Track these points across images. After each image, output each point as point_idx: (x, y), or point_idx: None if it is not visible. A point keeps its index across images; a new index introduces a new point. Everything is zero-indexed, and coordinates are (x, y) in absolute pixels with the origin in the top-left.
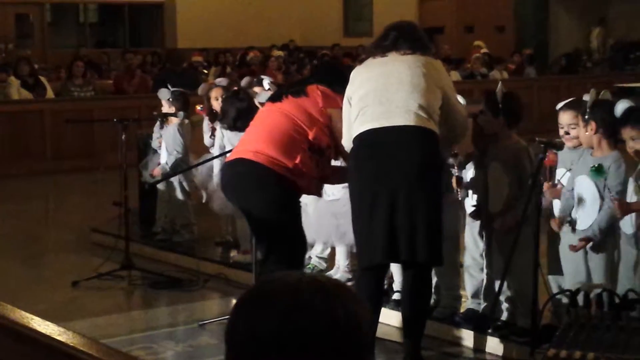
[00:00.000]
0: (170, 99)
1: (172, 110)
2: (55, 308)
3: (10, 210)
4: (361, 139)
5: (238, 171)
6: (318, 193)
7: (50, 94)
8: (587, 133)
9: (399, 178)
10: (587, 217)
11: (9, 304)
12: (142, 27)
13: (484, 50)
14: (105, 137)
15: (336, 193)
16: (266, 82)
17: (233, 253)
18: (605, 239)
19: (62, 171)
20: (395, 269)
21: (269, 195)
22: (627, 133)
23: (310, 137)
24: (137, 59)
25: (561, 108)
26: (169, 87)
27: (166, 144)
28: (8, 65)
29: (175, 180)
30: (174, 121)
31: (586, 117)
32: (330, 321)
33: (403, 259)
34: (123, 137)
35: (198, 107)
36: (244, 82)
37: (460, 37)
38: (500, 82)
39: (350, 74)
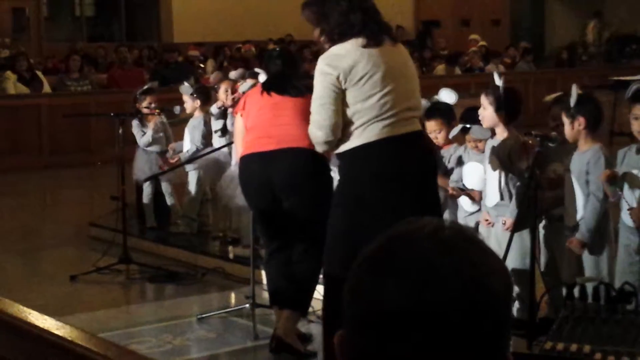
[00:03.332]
0: (193, 94)
1: (197, 104)
2: (53, 302)
3: (8, 205)
4: (391, 143)
5: (293, 160)
6: None
7: (47, 88)
8: (573, 129)
9: (421, 181)
10: (576, 212)
11: (7, 298)
12: (139, 21)
13: (482, 43)
14: (102, 132)
15: None
16: (262, 76)
17: (236, 249)
18: (596, 239)
19: (59, 166)
20: None
21: (326, 181)
22: (637, 109)
23: None
24: (134, 53)
25: (555, 102)
26: (157, 82)
27: (190, 136)
28: (5, 60)
29: (193, 173)
30: (197, 113)
31: (572, 112)
32: (461, 295)
33: None
34: (120, 131)
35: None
36: (235, 74)
37: (456, 31)
38: (502, 75)
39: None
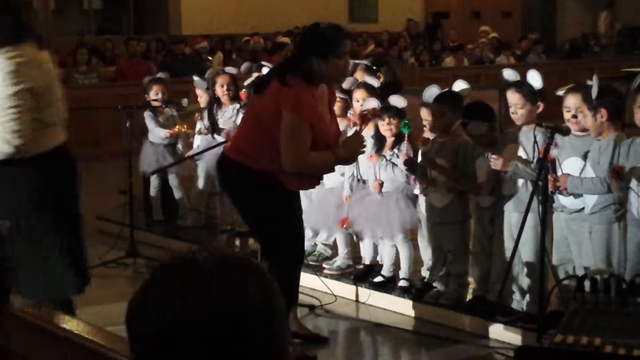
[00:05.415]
0: (208, 88)
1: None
2: None
3: None
4: (62, 153)
5: (220, 166)
6: (307, 187)
7: None
8: (596, 121)
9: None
10: (589, 199)
11: (14, 292)
12: (146, 13)
13: (492, 35)
14: (110, 125)
15: (332, 181)
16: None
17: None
18: (606, 225)
19: None
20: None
21: (249, 192)
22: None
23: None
24: (141, 46)
25: (568, 91)
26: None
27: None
28: None
29: (202, 167)
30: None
31: (594, 104)
32: (210, 308)
33: None
34: (127, 124)
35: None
36: (243, 67)
37: (467, 23)
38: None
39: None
